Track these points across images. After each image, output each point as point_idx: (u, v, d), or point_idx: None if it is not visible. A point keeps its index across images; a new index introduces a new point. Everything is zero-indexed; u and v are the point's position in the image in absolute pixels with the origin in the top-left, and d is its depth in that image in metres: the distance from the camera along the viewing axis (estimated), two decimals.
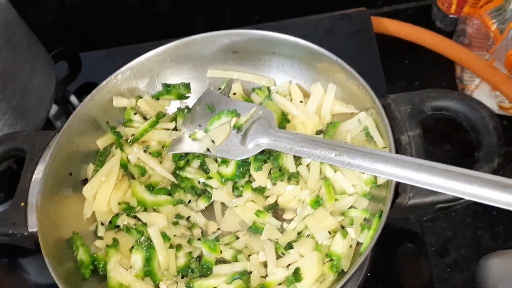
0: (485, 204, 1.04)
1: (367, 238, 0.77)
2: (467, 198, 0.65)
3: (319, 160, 0.81)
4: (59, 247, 0.84)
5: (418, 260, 0.99)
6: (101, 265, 0.84)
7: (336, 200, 0.87)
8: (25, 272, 1.14)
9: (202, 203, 0.95)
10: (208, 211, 0.96)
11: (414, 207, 0.74)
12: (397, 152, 0.78)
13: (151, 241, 0.85)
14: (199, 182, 0.96)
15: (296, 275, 0.77)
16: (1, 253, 1.14)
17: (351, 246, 0.80)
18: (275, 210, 0.93)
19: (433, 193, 0.73)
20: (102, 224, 0.91)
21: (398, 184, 0.75)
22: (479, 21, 1.17)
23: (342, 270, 0.78)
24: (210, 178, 0.94)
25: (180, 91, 1.02)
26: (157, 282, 0.83)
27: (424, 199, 0.73)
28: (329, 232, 0.82)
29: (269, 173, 0.93)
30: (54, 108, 1.30)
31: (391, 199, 0.73)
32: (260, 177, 0.92)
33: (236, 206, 0.92)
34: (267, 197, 0.93)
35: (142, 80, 1.02)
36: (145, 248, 0.84)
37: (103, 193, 0.91)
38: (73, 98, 1.33)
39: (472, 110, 0.77)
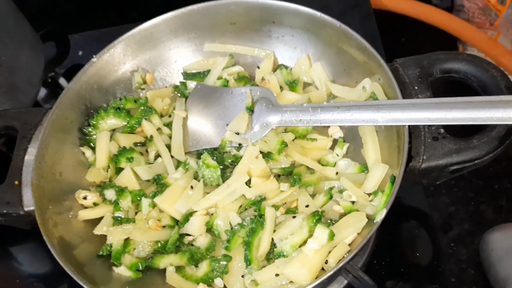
0: (487, 178, 1.02)
1: (381, 203, 0.74)
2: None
3: (334, 124, 0.82)
4: None
5: (422, 236, 0.97)
6: None
7: None
8: (16, 262, 1.10)
9: None
10: None
11: (428, 170, 0.72)
12: None
13: None
14: None
15: None
16: None
17: None
18: None
19: (447, 155, 0.71)
20: None
21: (410, 148, 0.73)
22: None
23: None
24: None
25: None
26: None
27: (438, 161, 0.71)
28: None
29: None
30: (43, 91, 1.26)
31: (405, 163, 0.71)
32: None
33: None
34: None
35: (139, 56, 0.98)
36: None
37: None
38: (62, 81, 1.29)
39: (482, 70, 0.75)
